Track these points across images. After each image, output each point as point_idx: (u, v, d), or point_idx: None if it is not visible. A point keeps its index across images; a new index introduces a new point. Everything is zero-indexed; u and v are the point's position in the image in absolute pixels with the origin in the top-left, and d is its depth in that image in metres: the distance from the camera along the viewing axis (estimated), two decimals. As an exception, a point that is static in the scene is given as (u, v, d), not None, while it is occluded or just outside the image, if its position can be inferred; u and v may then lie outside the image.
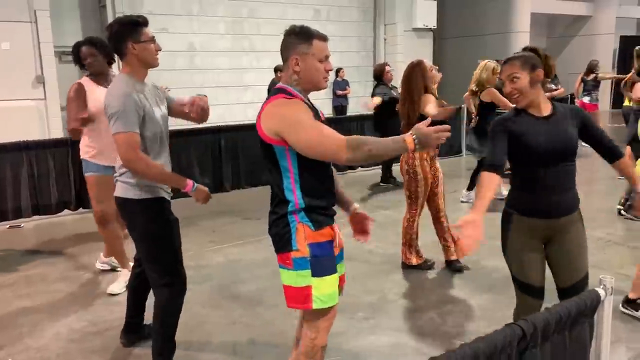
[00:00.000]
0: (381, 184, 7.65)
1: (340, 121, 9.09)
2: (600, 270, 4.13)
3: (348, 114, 11.86)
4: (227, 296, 3.98)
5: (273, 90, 2.21)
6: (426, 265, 4.40)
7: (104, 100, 2.62)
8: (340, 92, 12.18)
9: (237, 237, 5.32)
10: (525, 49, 2.50)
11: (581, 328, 1.57)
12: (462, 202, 6.42)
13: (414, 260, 4.40)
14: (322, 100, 12.23)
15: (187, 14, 10.89)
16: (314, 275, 2.13)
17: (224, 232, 5.52)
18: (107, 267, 4.46)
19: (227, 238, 5.32)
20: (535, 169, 2.36)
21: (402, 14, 12.71)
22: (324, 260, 2.15)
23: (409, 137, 1.92)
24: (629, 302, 3.47)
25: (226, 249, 5.04)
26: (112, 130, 2.57)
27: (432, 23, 13.01)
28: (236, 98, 11.56)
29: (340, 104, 12.23)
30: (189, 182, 2.68)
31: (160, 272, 2.75)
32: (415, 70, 4.22)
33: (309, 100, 2.21)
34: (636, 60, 5.76)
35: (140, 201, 2.68)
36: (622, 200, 5.69)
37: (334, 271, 2.19)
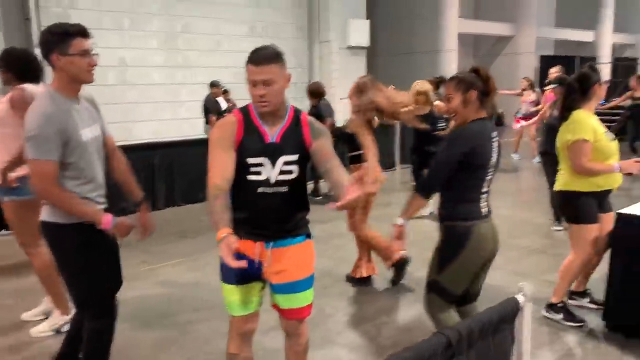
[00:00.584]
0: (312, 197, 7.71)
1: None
2: (524, 277, 4.36)
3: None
4: (161, 317, 3.88)
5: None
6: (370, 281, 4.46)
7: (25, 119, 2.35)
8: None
9: (172, 257, 5.19)
10: (471, 70, 2.64)
11: (503, 334, 1.66)
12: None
13: (365, 272, 4.44)
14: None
15: (118, 29, 10.63)
16: (220, 279, 2.36)
17: (158, 252, 5.38)
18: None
19: (162, 258, 5.18)
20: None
21: (336, 32, 12.96)
22: (224, 269, 2.29)
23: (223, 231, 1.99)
24: (551, 307, 3.67)
25: (160, 269, 4.92)
26: (26, 155, 2.32)
27: (365, 41, 13.34)
28: (171, 114, 11.35)
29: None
30: (107, 218, 2.40)
31: (86, 304, 2.55)
32: (368, 86, 4.12)
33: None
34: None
35: (64, 226, 2.42)
36: (553, 217, 5.89)
37: (231, 282, 2.30)
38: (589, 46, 21.11)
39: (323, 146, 2.22)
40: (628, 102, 9.84)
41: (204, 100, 9.90)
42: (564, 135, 3.46)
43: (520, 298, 1.70)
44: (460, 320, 2.54)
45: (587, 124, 3.39)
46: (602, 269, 3.68)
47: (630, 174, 3.43)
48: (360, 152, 3.94)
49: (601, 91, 3.52)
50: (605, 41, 21.39)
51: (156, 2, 10.98)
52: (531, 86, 10.47)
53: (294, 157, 2.21)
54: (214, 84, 9.82)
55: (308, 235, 2.37)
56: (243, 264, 1.92)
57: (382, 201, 5.43)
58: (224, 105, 9.99)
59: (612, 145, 3.43)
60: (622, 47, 23.46)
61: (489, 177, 2.56)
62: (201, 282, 4.48)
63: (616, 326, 3.43)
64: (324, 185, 7.54)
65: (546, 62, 18.48)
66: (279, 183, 2.21)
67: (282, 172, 2.21)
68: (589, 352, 3.29)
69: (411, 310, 3.91)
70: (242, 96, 11.77)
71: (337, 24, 12.94)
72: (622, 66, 20.66)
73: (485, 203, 2.60)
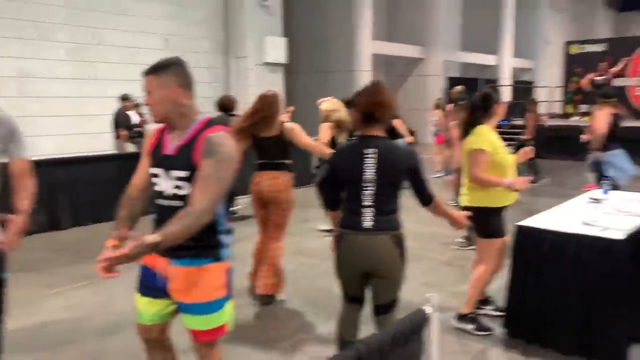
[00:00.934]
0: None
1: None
2: (434, 288, 4.53)
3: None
4: (66, 344, 3.64)
5: (215, 120, 2.26)
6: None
7: None
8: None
9: (77, 279, 4.89)
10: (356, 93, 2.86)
11: (413, 344, 1.71)
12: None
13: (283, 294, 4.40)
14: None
15: (18, 37, 10.01)
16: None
17: (62, 274, 5.06)
18: None
19: (66, 280, 4.88)
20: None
21: (252, 48, 12.97)
22: (139, 276, 2.34)
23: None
24: (462, 318, 3.82)
25: (65, 293, 4.63)
26: None
27: (283, 58, 13.46)
28: (77, 128, 10.79)
29: (192, 136, 12.02)
30: None
31: None
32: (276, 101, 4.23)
33: None
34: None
35: None
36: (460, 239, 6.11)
37: (138, 290, 2.34)
38: (492, 69, 22.57)
39: (202, 169, 2.10)
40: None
41: (114, 114, 9.52)
42: (466, 146, 3.70)
43: (428, 309, 1.77)
44: (374, 329, 2.67)
45: (488, 137, 3.64)
46: (503, 279, 3.89)
47: (517, 190, 3.69)
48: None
49: (501, 110, 3.79)
50: (506, 65, 22.98)
51: (61, 12, 10.48)
52: (437, 106, 11.18)
53: (184, 174, 2.15)
54: (125, 97, 9.47)
55: (216, 259, 2.22)
56: (114, 275, 1.99)
57: (299, 217, 5.44)
58: (135, 119, 9.64)
59: (509, 158, 3.69)
60: (520, 71, 25.29)
61: (368, 192, 2.63)
62: (108, 305, 4.26)
63: (517, 332, 3.63)
64: (241, 202, 7.45)
65: (453, 84, 19.52)
66: (173, 197, 2.18)
67: (175, 187, 2.18)
68: (494, 359, 3.46)
69: (327, 326, 3.93)
70: (155, 111, 11.48)
71: (253, 41, 12.97)
72: (521, 88, 22.27)
73: (370, 217, 2.63)
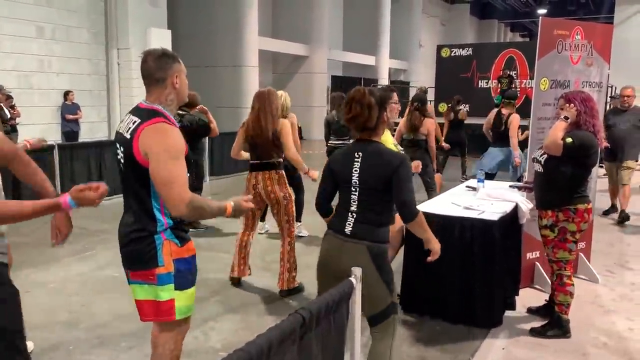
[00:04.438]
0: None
1: (72, 148, 8.25)
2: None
3: (80, 139, 11.09)
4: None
5: (149, 112, 2.20)
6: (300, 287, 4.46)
7: None
8: (70, 117, 11.33)
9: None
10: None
11: (340, 312, 1.94)
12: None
13: (294, 284, 4.41)
14: (50, 125, 11.18)
15: None
16: (176, 288, 2.26)
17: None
18: None
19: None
20: None
21: (135, 39, 12.48)
22: (187, 274, 2.30)
23: (229, 206, 2.25)
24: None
25: None
26: None
27: (168, 51, 13.18)
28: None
29: (70, 129, 11.36)
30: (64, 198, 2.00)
31: None
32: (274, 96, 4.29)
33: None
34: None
35: None
36: None
37: (194, 284, 2.35)
38: (371, 69, 23.75)
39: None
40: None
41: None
42: None
43: (353, 280, 2.00)
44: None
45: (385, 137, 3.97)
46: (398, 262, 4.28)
47: None
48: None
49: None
50: (384, 65, 24.33)
51: None
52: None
53: None
54: (-3, 90, 8.73)
55: None
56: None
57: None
58: (5, 113, 8.81)
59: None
60: (397, 72, 26.91)
61: (354, 196, 2.53)
62: None
63: (410, 307, 4.04)
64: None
65: (336, 82, 20.32)
66: None
67: None
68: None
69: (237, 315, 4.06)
70: (27, 103, 10.66)
71: (136, 32, 12.50)
72: (398, 88, 23.70)
73: (352, 223, 2.53)
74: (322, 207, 2.74)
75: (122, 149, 2.25)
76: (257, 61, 16.31)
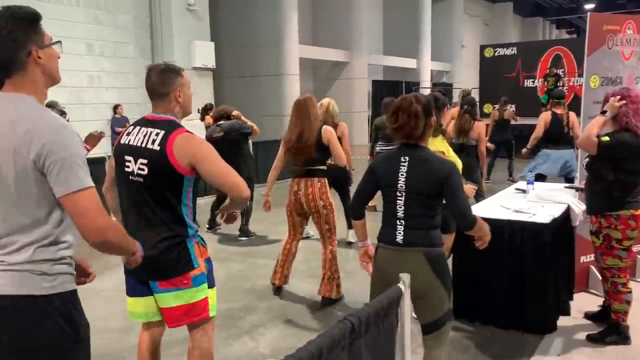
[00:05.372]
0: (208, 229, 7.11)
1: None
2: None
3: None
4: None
5: (169, 123, 2.29)
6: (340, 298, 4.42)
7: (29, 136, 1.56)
8: (119, 129, 11.70)
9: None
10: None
11: (390, 318, 1.92)
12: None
13: (334, 294, 4.34)
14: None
15: None
16: (210, 286, 2.39)
17: None
18: None
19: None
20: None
21: (180, 53, 12.80)
22: (212, 272, 2.43)
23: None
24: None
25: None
26: (67, 187, 1.58)
27: (211, 63, 13.39)
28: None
29: (120, 142, 11.74)
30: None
31: None
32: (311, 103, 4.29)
33: None
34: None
35: (51, 298, 1.62)
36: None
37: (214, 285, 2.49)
38: (413, 72, 23.54)
39: None
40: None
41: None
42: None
43: (401, 286, 1.98)
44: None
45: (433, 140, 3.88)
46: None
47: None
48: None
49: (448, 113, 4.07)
50: (426, 68, 24.07)
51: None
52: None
53: None
54: (51, 104, 9.12)
55: None
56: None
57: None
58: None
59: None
60: (439, 74, 26.57)
61: (401, 202, 2.45)
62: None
63: (462, 313, 3.94)
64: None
65: (377, 86, 20.26)
66: None
67: None
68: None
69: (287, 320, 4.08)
70: (79, 117, 11.08)
71: (181, 45, 12.82)
72: (441, 90, 23.35)
73: (403, 231, 2.45)
74: (356, 207, 2.70)
75: (144, 161, 2.24)
76: (298, 69, 16.46)
